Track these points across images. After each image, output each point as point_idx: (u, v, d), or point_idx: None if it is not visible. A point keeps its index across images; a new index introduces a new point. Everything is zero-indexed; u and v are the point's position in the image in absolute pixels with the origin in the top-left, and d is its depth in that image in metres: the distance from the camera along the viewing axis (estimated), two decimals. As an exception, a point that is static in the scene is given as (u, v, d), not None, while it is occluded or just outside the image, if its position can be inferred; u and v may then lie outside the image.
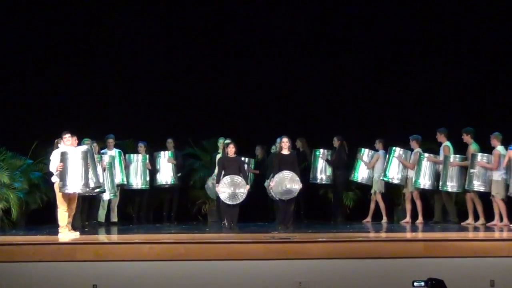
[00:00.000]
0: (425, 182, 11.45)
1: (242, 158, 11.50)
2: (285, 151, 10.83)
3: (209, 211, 12.90)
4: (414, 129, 12.15)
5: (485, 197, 11.05)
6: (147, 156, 12.23)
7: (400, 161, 11.72)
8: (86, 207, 10.97)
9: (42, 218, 11.35)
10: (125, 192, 12.09)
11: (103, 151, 11.70)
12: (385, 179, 11.88)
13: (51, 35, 13.27)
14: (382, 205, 12.13)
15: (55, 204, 9.71)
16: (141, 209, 12.36)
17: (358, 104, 13.69)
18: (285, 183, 10.60)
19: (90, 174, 9.64)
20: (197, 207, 13.04)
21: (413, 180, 11.56)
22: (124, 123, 13.07)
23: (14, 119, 12.96)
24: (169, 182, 12.44)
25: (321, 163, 12.44)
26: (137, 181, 12.14)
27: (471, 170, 10.88)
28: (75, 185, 9.42)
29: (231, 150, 10.83)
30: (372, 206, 12.21)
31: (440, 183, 11.30)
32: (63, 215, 9.47)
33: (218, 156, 11.77)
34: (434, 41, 13.65)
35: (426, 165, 11.45)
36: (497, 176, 10.68)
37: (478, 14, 13.27)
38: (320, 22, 13.83)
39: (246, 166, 11.78)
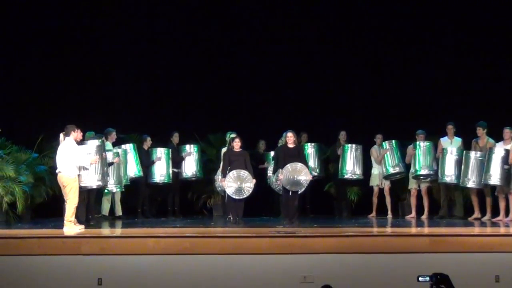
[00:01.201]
0: (451, 176, 11.24)
1: (272, 152, 11.67)
2: (290, 145, 10.80)
3: (214, 205, 12.89)
4: (414, 125, 12.10)
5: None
6: (170, 150, 12.15)
7: (439, 154, 11.46)
8: (92, 200, 10.96)
9: (48, 211, 11.41)
10: (129, 185, 12.02)
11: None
12: (417, 174, 11.63)
13: (56, 30, 13.27)
14: (389, 200, 12.11)
15: (60, 198, 9.72)
16: (145, 203, 12.30)
17: (359, 100, 13.68)
18: (295, 174, 10.51)
19: (106, 168, 10.06)
20: (202, 201, 13.03)
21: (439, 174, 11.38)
22: (129, 117, 13.06)
23: (19, 113, 12.98)
24: (195, 175, 12.38)
25: (351, 158, 12.10)
26: (161, 175, 12.05)
27: (505, 166, 10.55)
28: (94, 179, 9.88)
29: (237, 144, 10.78)
30: (375, 200, 12.19)
31: (461, 179, 11.03)
32: (73, 209, 9.51)
33: (224, 150, 11.73)
34: (436, 37, 13.62)
35: (451, 160, 11.21)
36: None
37: (484, 11, 13.25)
38: (323, 17, 13.80)
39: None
